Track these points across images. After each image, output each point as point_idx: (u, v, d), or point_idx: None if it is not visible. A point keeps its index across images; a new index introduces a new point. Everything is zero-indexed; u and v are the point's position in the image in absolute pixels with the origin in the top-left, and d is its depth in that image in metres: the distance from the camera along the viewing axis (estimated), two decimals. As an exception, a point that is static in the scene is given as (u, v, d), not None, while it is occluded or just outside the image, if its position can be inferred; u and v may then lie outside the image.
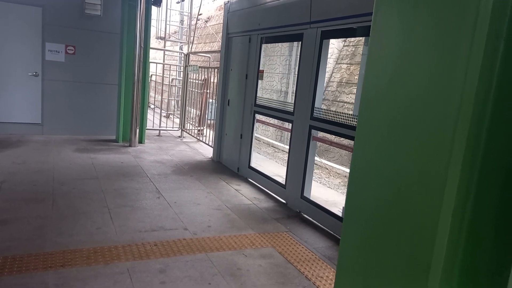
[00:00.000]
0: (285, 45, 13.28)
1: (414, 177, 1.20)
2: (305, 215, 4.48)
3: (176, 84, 11.11)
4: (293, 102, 4.72)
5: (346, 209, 1.55)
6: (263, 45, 5.39)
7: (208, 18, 18.04)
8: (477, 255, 1.08)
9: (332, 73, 12.67)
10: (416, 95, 1.19)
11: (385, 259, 1.33)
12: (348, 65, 11.51)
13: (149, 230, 3.70)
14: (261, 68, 5.52)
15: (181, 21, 16.20)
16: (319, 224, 4.24)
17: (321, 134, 4.57)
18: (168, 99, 10.82)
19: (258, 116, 5.65)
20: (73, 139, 7.50)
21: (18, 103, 7.38)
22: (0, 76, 7.15)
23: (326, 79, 12.33)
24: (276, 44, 13.26)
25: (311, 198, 4.47)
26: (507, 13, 0.94)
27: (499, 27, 0.95)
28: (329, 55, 12.36)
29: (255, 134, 5.81)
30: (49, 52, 7.37)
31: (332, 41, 12.13)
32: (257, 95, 5.55)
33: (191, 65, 8.66)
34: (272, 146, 11.72)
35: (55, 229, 3.54)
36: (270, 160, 9.43)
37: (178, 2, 16.62)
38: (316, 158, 9.54)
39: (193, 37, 12.18)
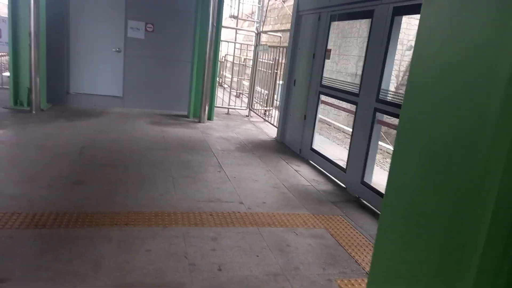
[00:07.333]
0: (364, 26, 12.67)
1: (458, 157, 1.09)
2: (364, 201, 4.34)
3: (247, 64, 11.24)
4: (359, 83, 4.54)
5: (386, 190, 1.48)
6: (338, 25, 5.22)
7: (285, -2, 17.85)
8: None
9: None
10: (464, 66, 1.08)
11: (420, 251, 1.24)
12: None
13: (206, 201, 3.86)
14: (332, 48, 5.36)
15: (259, 1, 16.27)
16: (378, 211, 4.09)
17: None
18: (238, 78, 11.00)
19: (324, 98, 5.53)
20: (149, 112, 8.02)
21: (102, 77, 8.04)
22: (87, 52, 7.83)
23: (407, 61, 11.58)
24: (354, 25, 12.71)
25: (372, 184, 4.31)
26: None
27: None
28: (413, 35, 11.55)
29: (325, 118, 5.71)
30: (131, 29, 7.88)
31: (416, 18, 11.29)
32: (324, 75, 5.42)
33: (261, 45, 8.68)
34: (343, 132, 11.42)
35: (123, 192, 3.85)
36: (337, 144, 9.22)
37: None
38: (390, 146, 9.10)
39: (265, 16, 12.16)
